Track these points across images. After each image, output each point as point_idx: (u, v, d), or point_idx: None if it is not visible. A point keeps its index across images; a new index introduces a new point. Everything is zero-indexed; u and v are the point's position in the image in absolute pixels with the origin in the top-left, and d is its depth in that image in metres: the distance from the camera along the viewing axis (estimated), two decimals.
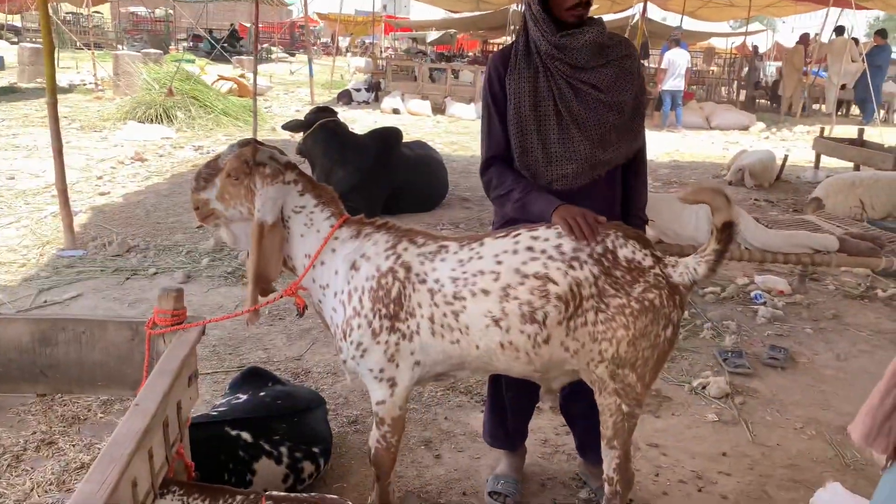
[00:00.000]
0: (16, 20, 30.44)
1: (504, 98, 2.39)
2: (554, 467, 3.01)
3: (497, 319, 2.09)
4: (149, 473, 1.77)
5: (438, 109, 15.76)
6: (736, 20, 25.69)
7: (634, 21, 17.89)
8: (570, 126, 2.33)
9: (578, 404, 2.68)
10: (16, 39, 26.58)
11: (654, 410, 3.52)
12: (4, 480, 1.89)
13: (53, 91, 5.39)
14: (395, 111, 15.16)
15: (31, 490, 1.86)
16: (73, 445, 2.06)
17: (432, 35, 24.96)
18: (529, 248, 2.12)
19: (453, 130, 13.50)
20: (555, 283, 2.07)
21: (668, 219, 4.64)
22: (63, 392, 2.31)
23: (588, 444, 2.75)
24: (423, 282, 2.15)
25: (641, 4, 16.23)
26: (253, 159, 2.23)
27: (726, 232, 2.06)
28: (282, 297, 2.27)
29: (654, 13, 22.02)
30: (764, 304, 5.01)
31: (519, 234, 2.17)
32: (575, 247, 2.10)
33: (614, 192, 2.51)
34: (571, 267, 2.08)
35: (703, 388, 3.77)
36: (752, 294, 5.17)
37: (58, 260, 5.26)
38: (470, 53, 28.36)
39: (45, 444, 2.06)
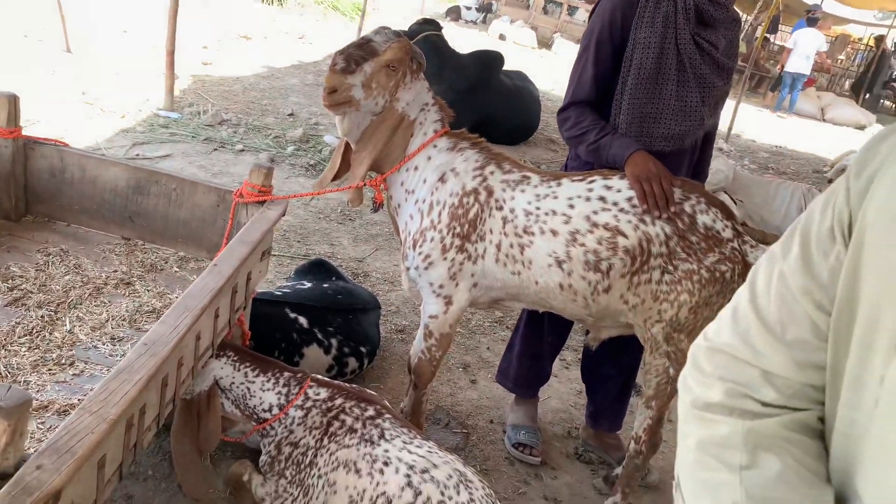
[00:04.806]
0: None
1: (620, 45, 2.24)
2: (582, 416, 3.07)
3: (560, 261, 2.10)
4: (212, 331, 1.90)
5: (545, 44, 15.34)
6: (884, 11, 23.66)
7: None
8: (690, 83, 2.22)
9: (605, 368, 2.70)
10: None
11: None
12: (84, 307, 2.05)
13: None
14: (502, 37, 14.84)
15: (107, 321, 2.01)
16: (148, 290, 2.20)
17: None
18: (602, 199, 2.10)
19: (557, 67, 13.16)
20: (624, 236, 2.06)
21: (759, 203, 4.48)
22: (146, 241, 2.46)
23: (604, 410, 2.75)
24: (500, 209, 2.16)
25: None
26: (412, 51, 2.17)
27: None
28: (364, 185, 2.25)
29: None
30: None
31: (594, 181, 2.14)
32: None
33: (692, 163, 2.45)
34: (643, 221, 2.06)
35: None
36: None
37: (154, 118, 5.47)
38: None
39: (124, 283, 2.21)
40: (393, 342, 3.31)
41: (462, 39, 13.12)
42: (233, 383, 2.10)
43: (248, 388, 2.11)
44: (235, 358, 2.11)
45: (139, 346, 1.43)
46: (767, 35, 15.80)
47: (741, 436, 0.77)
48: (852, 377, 0.70)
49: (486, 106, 6.60)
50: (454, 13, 16.53)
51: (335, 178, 2.32)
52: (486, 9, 17.24)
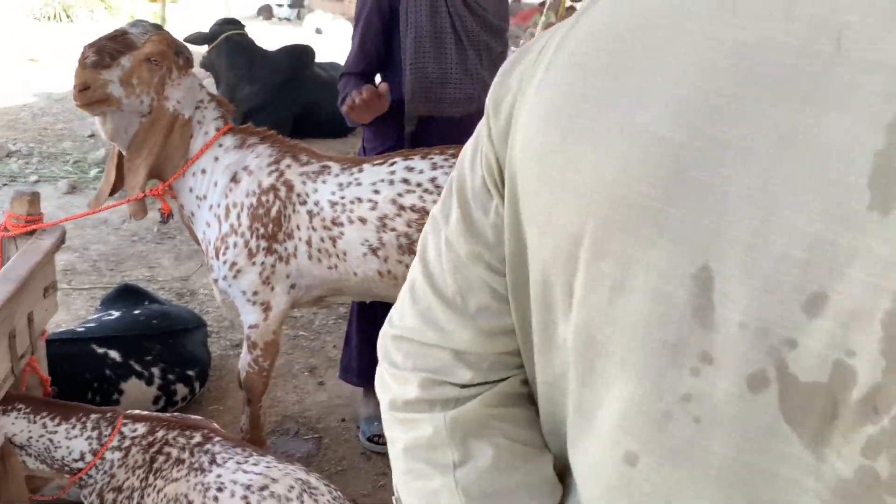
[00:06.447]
0: None
1: (390, 10, 2.22)
2: None
3: (375, 249, 2.05)
4: None
5: None
6: None
7: None
8: (467, 47, 2.24)
9: None
10: None
11: None
12: None
13: None
14: (318, 31, 14.55)
15: None
16: None
17: None
18: (405, 181, 2.06)
19: None
20: None
21: None
22: None
23: None
24: (304, 203, 2.07)
25: None
26: (176, 45, 2.02)
27: None
28: (144, 196, 2.08)
29: None
30: None
31: (395, 163, 2.10)
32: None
33: None
34: None
35: None
36: None
37: None
38: None
39: None
40: (229, 359, 3.12)
41: (276, 36, 12.75)
42: (30, 437, 1.87)
43: (51, 440, 1.89)
44: (28, 410, 1.88)
45: None
46: (572, 3, 16.67)
47: (446, 430, 0.67)
48: (540, 342, 0.62)
49: (303, 99, 6.41)
50: (265, 12, 16.00)
51: (112, 191, 2.12)
52: (298, 3, 16.84)
